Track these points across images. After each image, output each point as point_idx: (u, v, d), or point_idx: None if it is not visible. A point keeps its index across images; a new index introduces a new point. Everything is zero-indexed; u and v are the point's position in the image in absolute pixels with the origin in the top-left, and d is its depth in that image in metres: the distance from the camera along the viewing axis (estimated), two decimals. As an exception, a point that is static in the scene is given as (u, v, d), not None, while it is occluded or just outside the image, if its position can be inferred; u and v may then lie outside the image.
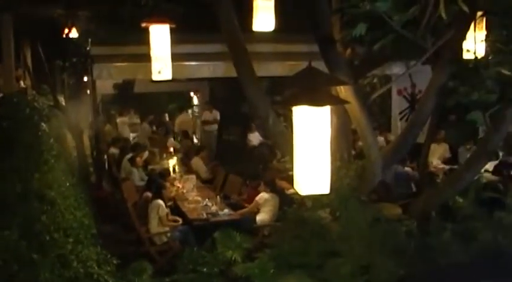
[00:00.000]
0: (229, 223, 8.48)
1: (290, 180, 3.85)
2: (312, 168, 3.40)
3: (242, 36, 7.28)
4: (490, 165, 10.61)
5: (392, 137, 12.97)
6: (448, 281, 6.39)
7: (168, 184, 10.39)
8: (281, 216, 7.29)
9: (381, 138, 12.84)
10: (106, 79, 13.18)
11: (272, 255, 6.19)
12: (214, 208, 9.47)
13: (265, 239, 7.63)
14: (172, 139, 16.59)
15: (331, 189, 3.58)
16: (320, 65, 5.45)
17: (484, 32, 7.08)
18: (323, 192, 3.48)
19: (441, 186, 8.23)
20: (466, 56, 7.05)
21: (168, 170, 12.00)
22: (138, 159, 12.08)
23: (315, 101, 3.33)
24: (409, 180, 11.31)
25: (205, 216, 9.19)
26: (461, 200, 7.78)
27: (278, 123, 7.57)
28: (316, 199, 6.46)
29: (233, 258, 6.35)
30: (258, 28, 6.54)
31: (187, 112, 18.08)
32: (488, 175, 10.26)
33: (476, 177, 7.87)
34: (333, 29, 7.01)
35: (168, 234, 8.93)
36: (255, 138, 15.23)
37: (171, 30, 6.16)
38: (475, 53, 7.02)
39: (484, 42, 7.11)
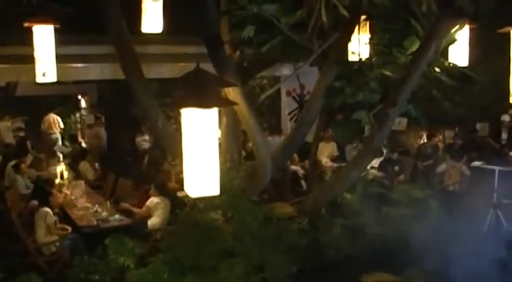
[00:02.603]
0: (121, 229, 8.29)
1: (182, 182, 3.81)
2: (201, 170, 3.39)
3: (130, 37, 7.17)
4: (375, 162, 11.04)
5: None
6: (339, 274, 6.58)
7: (55, 191, 10.02)
8: (173, 219, 7.23)
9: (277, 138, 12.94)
10: (-15, 82, 12.49)
11: (165, 259, 6.13)
12: (104, 214, 9.19)
13: (158, 243, 7.52)
14: (60, 144, 16.03)
15: (222, 190, 3.58)
16: (209, 67, 5.48)
17: (368, 35, 7.37)
18: (213, 194, 3.47)
19: (330, 184, 8.45)
20: (351, 57, 7.30)
21: (55, 176, 11.57)
22: (22, 165, 11.52)
23: (203, 102, 3.32)
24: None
25: (95, 222, 8.90)
26: (349, 196, 8.06)
27: (168, 125, 7.51)
28: (208, 201, 6.47)
29: (126, 264, 6.24)
30: (147, 30, 6.44)
31: (48, 114, 17.43)
32: (374, 171, 10.68)
33: (362, 174, 8.16)
34: (221, 30, 7.04)
35: (57, 243, 8.57)
36: (145, 141, 15.00)
37: (57, 30, 5.96)
38: (359, 55, 7.29)
39: (368, 45, 7.40)
